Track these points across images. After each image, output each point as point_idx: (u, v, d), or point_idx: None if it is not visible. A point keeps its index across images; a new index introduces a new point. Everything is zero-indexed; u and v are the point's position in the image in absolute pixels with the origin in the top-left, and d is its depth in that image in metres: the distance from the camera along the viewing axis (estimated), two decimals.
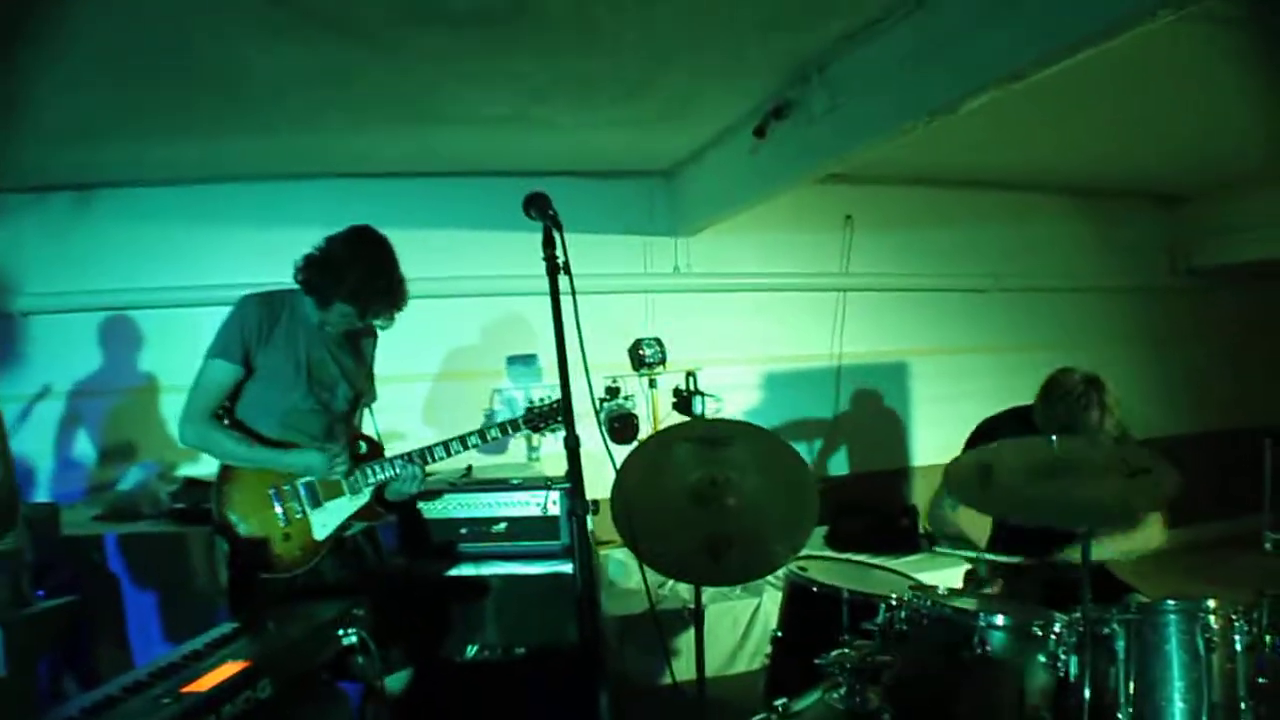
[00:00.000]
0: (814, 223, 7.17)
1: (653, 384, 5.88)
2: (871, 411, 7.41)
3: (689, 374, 5.83)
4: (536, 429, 3.68)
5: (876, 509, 6.55)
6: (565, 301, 2.72)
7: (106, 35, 3.97)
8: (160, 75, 4.47)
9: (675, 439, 3.47)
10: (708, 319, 6.90)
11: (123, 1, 3.72)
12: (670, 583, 5.60)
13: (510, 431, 3.67)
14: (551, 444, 6.28)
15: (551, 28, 4.14)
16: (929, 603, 2.77)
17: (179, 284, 6.16)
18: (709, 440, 3.37)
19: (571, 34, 4.23)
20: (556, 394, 3.42)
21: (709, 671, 3.64)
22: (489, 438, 3.62)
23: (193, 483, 5.26)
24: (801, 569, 3.69)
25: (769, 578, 5.55)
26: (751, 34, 4.33)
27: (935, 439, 7.33)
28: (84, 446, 6.19)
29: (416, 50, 4.32)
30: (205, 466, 5.97)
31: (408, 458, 3.52)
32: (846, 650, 2.80)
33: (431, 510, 4.23)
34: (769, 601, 5.36)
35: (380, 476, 3.51)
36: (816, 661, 2.81)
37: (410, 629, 3.65)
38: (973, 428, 4.18)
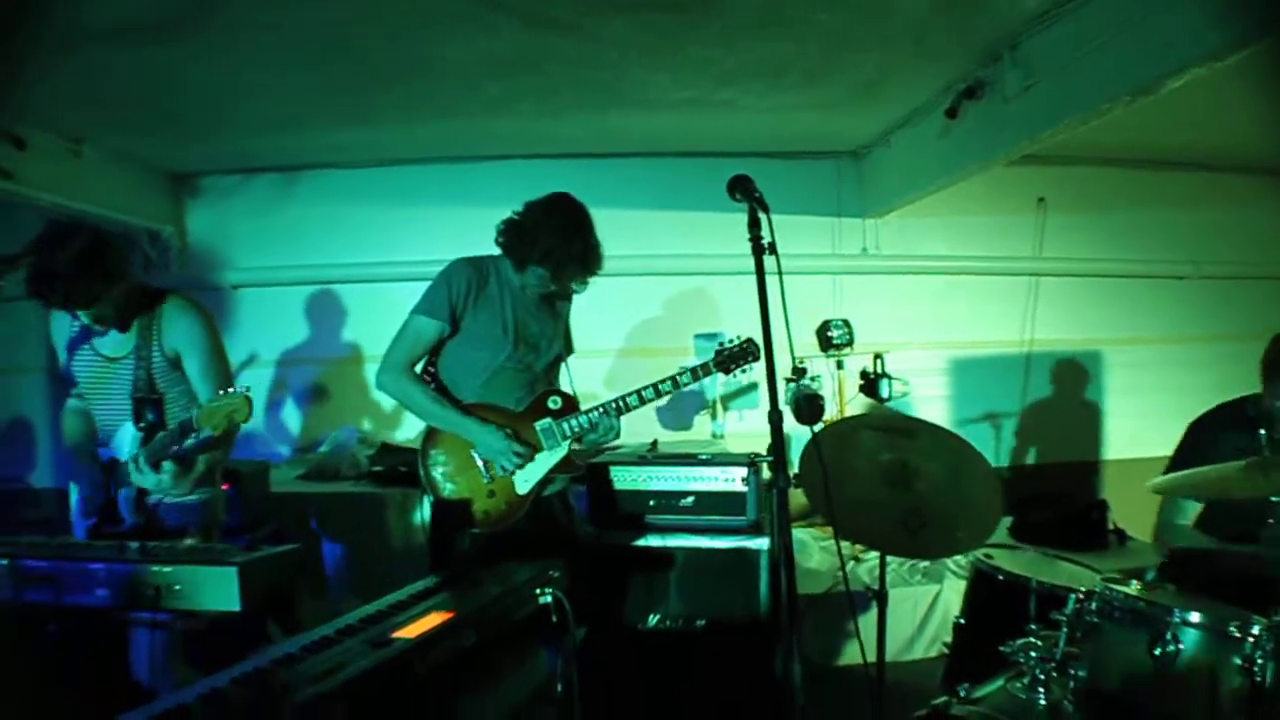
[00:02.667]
0: (1005, 205, 7.04)
1: (840, 365, 5.92)
2: (1061, 401, 7.23)
3: (877, 356, 5.84)
4: (727, 370, 3.78)
5: (1064, 502, 6.43)
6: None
7: (315, 28, 4.31)
8: (363, 65, 4.80)
9: (861, 425, 3.54)
10: (895, 302, 6.90)
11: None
12: (850, 564, 5.65)
13: (701, 375, 3.74)
14: (735, 422, 6.52)
15: (737, 12, 4.24)
16: (1121, 595, 2.75)
17: (378, 260, 6.54)
18: (895, 429, 3.43)
19: (757, 19, 4.32)
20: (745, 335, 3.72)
21: (886, 656, 3.68)
22: (680, 383, 3.72)
23: (389, 448, 5.58)
24: (987, 556, 3.71)
25: (950, 564, 5.58)
26: (941, 15, 4.33)
27: (1129, 431, 7.17)
28: (289, 411, 6.65)
29: (605, 37, 4.48)
30: (402, 432, 6.38)
31: (603, 409, 3.67)
32: (1032, 639, 2.84)
33: (621, 481, 4.38)
34: (949, 589, 5.35)
35: (576, 429, 3.68)
36: (1001, 649, 2.86)
37: (594, 594, 3.80)
38: (1184, 427, 4.03)
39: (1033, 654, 2.78)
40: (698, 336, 6.72)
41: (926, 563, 5.66)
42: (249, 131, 5.83)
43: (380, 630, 2.31)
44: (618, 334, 6.81)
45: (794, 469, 2.67)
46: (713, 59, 4.78)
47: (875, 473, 3.28)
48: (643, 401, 3.70)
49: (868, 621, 5.18)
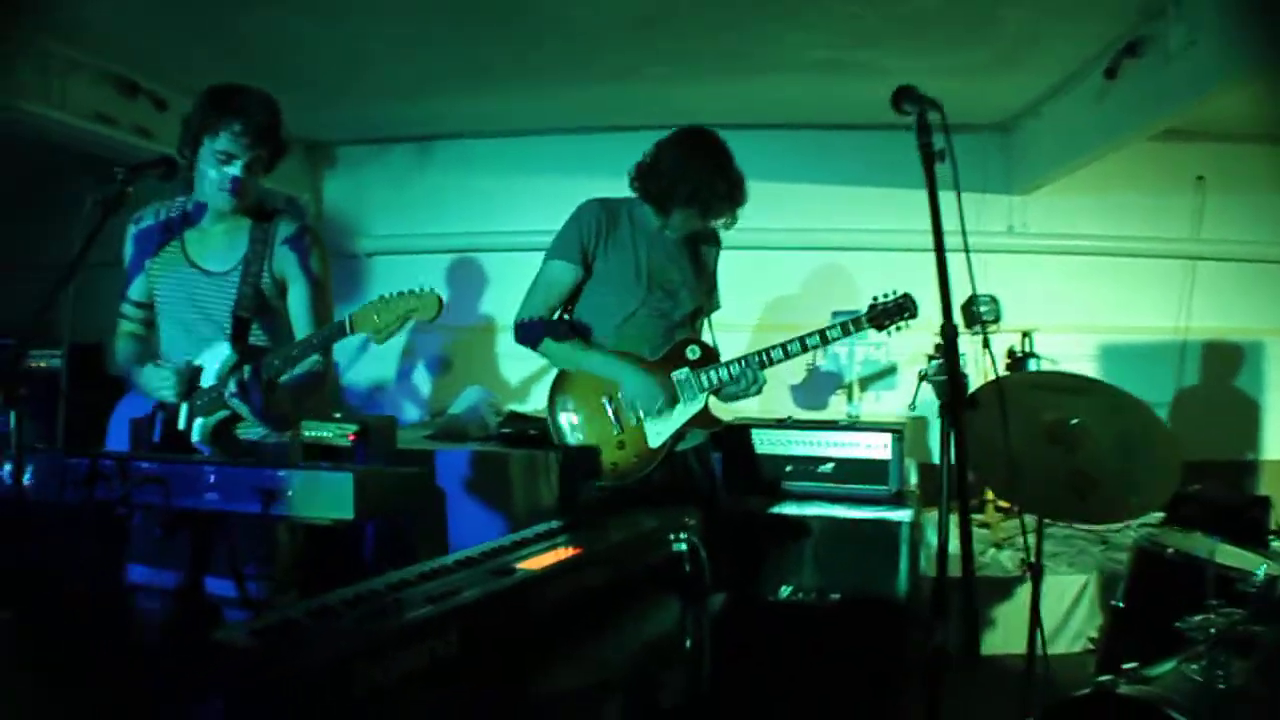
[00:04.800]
0: (1161, 184, 6.58)
1: (986, 344, 5.61)
2: (1218, 394, 6.72)
3: (1025, 334, 5.55)
4: (881, 326, 3.49)
5: (1221, 497, 5.97)
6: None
7: None
8: (495, 26, 4.74)
9: (1021, 384, 3.28)
10: (1041, 283, 6.53)
11: None
12: (990, 550, 5.36)
13: (852, 330, 3.49)
14: (872, 403, 6.28)
15: None
16: None
17: (511, 229, 6.48)
18: (1060, 388, 3.17)
19: None
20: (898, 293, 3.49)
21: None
22: (829, 338, 3.48)
23: (517, 415, 5.49)
24: (1150, 537, 3.41)
25: (1098, 553, 5.25)
26: None
27: None
28: (421, 376, 6.67)
29: None
30: (531, 403, 6.28)
31: (744, 361, 3.44)
32: (1213, 615, 2.55)
33: (759, 444, 4.20)
34: (1096, 582, 5.02)
35: (715, 381, 3.46)
36: (1177, 625, 2.58)
37: (729, 559, 3.61)
38: None
39: (1212, 631, 2.49)
40: (836, 314, 6.50)
41: (1071, 555, 5.34)
42: (381, 96, 5.86)
43: (501, 562, 2.20)
44: (753, 309, 6.60)
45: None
46: (853, 14, 4.55)
47: (1037, 432, 3.02)
48: (787, 355, 3.46)
49: (1008, 610, 4.96)
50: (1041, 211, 6.61)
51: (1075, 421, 2.95)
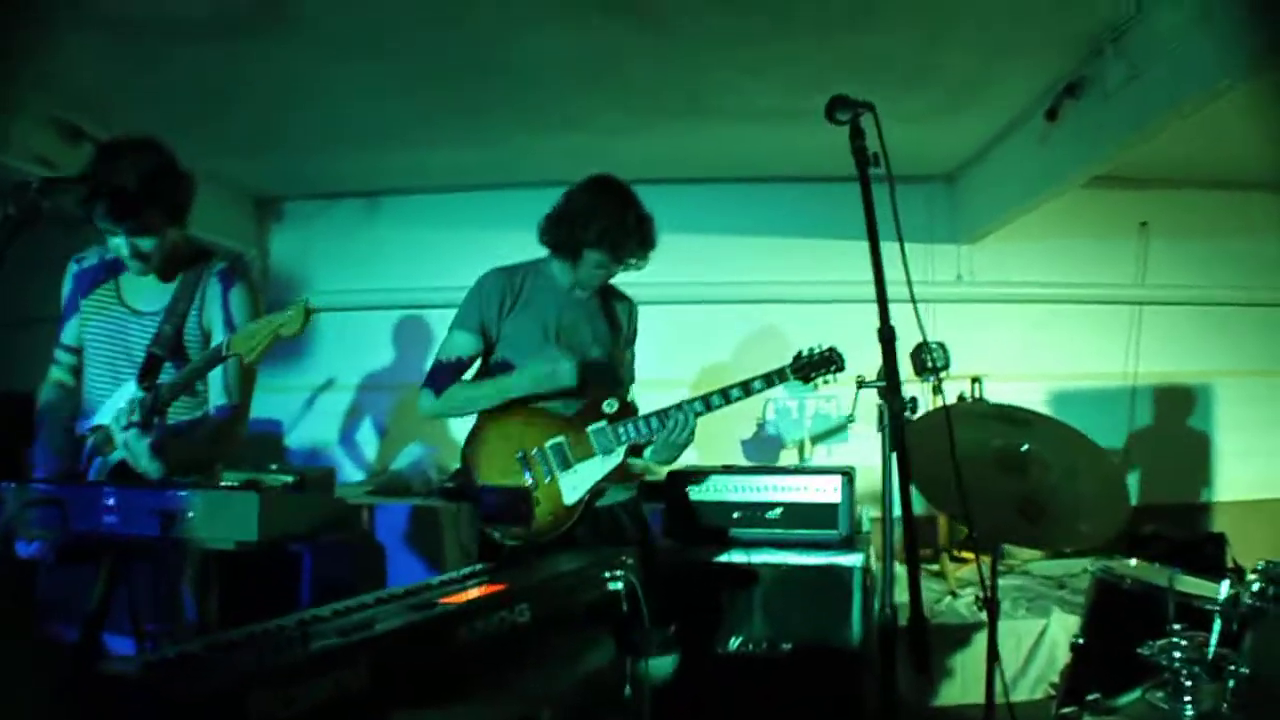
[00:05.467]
0: (1106, 230, 6.60)
1: (937, 390, 5.53)
2: (1169, 438, 6.68)
3: (975, 380, 5.48)
4: (806, 379, 3.37)
5: (1177, 535, 5.88)
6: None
7: (386, 24, 4.16)
8: (445, 75, 4.68)
9: (970, 412, 3.18)
10: (990, 331, 6.46)
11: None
12: (946, 599, 5.22)
13: (775, 381, 3.35)
14: (823, 458, 6.15)
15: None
16: None
17: (458, 285, 6.29)
18: (1007, 418, 3.07)
19: (851, 6, 4.07)
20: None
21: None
22: (752, 389, 3.34)
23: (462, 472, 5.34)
24: (1106, 569, 3.29)
25: (1055, 598, 5.14)
26: (1040, 3, 4.07)
27: (1245, 472, 6.59)
28: (367, 435, 6.45)
29: (696, 32, 4.26)
30: None
31: (662, 415, 3.29)
32: (1176, 639, 2.41)
33: (703, 491, 4.05)
34: (1057, 625, 4.87)
35: (633, 434, 3.30)
36: (1139, 651, 2.44)
37: (676, 613, 3.43)
38: None
39: (1177, 655, 2.35)
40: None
41: (1028, 599, 5.21)
42: (330, 146, 5.73)
43: (423, 598, 2.07)
44: (690, 365, 6.48)
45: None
46: (804, 55, 4.50)
47: (987, 458, 2.90)
48: (708, 407, 3.32)
49: (965, 659, 4.81)
50: (989, 260, 6.58)
51: (1025, 448, 2.85)
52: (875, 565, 4.06)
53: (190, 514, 2.06)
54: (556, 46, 4.40)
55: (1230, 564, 5.50)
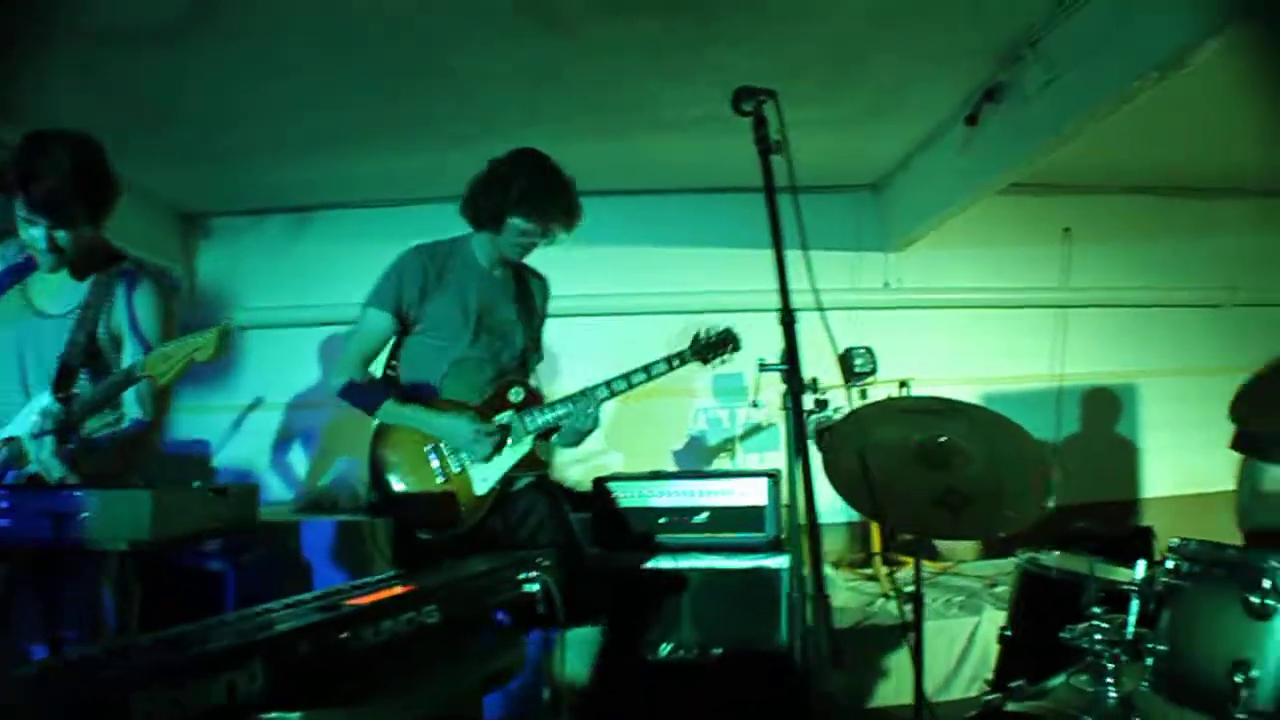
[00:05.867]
0: (1029, 236, 6.69)
1: (864, 395, 5.53)
2: (1096, 438, 6.76)
3: (902, 384, 5.48)
4: (705, 360, 3.43)
5: (1104, 530, 5.91)
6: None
7: (322, 28, 4.06)
8: (383, 84, 4.62)
9: (885, 409, 3.16)
10: (919, 337, 6.47)
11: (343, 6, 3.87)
12: (879, 601, 5.20)
13: (676, 364, 3.40)
14: (756, 463, 6.12)
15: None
16: (1206, 546, 2.29)
17: None
18: (923, 410, 3.06)
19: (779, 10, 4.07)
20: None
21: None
22: (654, 373, 3.36)
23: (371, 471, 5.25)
24: (1031, 560, 3.28)
25: (988, 596, 5.14)
26: (959, 9, 4.09)
27: (1170, 468, 6.67)
28: (297, 456, 6.31)
29: (620, 41, 4.25)
30: None
31: (572, 399, 3.29)
32: (1096, 622, 2.40)
33: (629, 497, 3.99)
34: (988, 622, 4.86)
35: (540, 422, 3.29)
36: (1061, 635, 2.42)
37: (599, 610, 3.36)
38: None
39: (1097, 638, 2.34)
40: (717, 376, 6.40)
41: (961, 598, 5.21)
42: (259, 156, 5.58)
43: (330, 600, 2.01)
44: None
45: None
46: (728, 64, 4.49)
47: (907, 455, 2.88)
48: (612, 392, 3.33)
49: (900, 660, 4.78)
50: (917, 267, 6.63)
51: (944, 439, 2.83)
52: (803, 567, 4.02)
53: (84, 514, 1.98)
54: (492, 60, 4.38)
55: (1158, 557, 5.53)
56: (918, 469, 2.88)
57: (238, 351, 6.39)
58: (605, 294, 6.38)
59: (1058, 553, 3.38)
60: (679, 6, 3.96)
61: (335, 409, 6.27)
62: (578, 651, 3.13)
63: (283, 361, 6.36)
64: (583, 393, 3.28)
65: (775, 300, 2.30)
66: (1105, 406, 6.76)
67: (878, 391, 5.50)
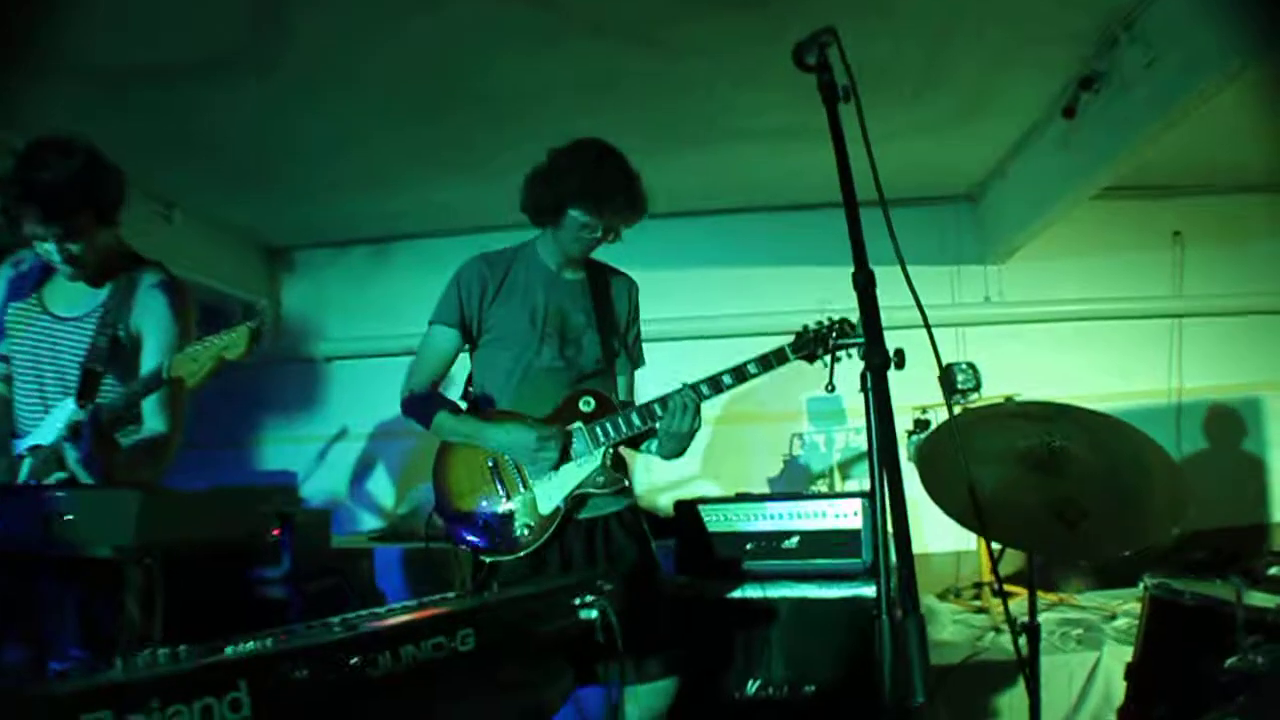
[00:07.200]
0: (1137, 242, 6.20)
1: None
2: (1220, 457, 6.16)
3: (1007, 399, 5.03)
4: (812, 357, 2.90)
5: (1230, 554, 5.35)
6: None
7: (378, 73, 4.04)
8: (436, 107, 4.48)
9: (989, 416, 2.77)
10: (1024, 352, 6.04)
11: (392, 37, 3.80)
12: (990, 635, 4.74)
13: (775, 363, 2.92)
14: (854, 488, 5.73)
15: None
16: None
17: None
18: (1031, 415, 2.67)
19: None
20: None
21: None
22: (748, 374, 2.92)
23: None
24: (1164, 584, 2.84)
25: (1109, 629, 4.63)
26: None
27: None
28: (382, 486, 6.12)
29: (680, 45, 3.99)
30: None
31: (646, 410, 2.92)
32: (1250, 656, 1.98)
33: (714, 521, 3.63)
34: (1110, 657, 4.35)
35: (615, 435, 2.93)
36: (1225, 666, 2.00)
37: (675, 642, 3.00)
38: None
39: (1257, 671, 1.92)
40: (812, 399, 6.04)
41: (1079, 631, 4.71)
42: (331, 188, 5.50)
43: (354, 620, 1.79)
44: (717, 399, 6.06)
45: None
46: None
47: (1013, 460, 2.49)
48: (699, 396, 2.90)
49: (1014, 700, 4.31)
50: (1018, 279, 6.22)
51: (1057, 444, 2.42)
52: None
53: (68, 515, 1.77)
54: (537, 74, 4.20)
55: None
56: (1029, 477, 2.48)
57: (324, 382, 6.27)
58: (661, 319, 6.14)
59: (1191, 578, 2.93)
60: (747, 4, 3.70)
61: (418, 438, 6.11)
62: (647, 706, 2.79)
63: (366, 391, 6.22)
64: (678, 391, 2.91)
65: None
66: (1228, 422, 6.16)
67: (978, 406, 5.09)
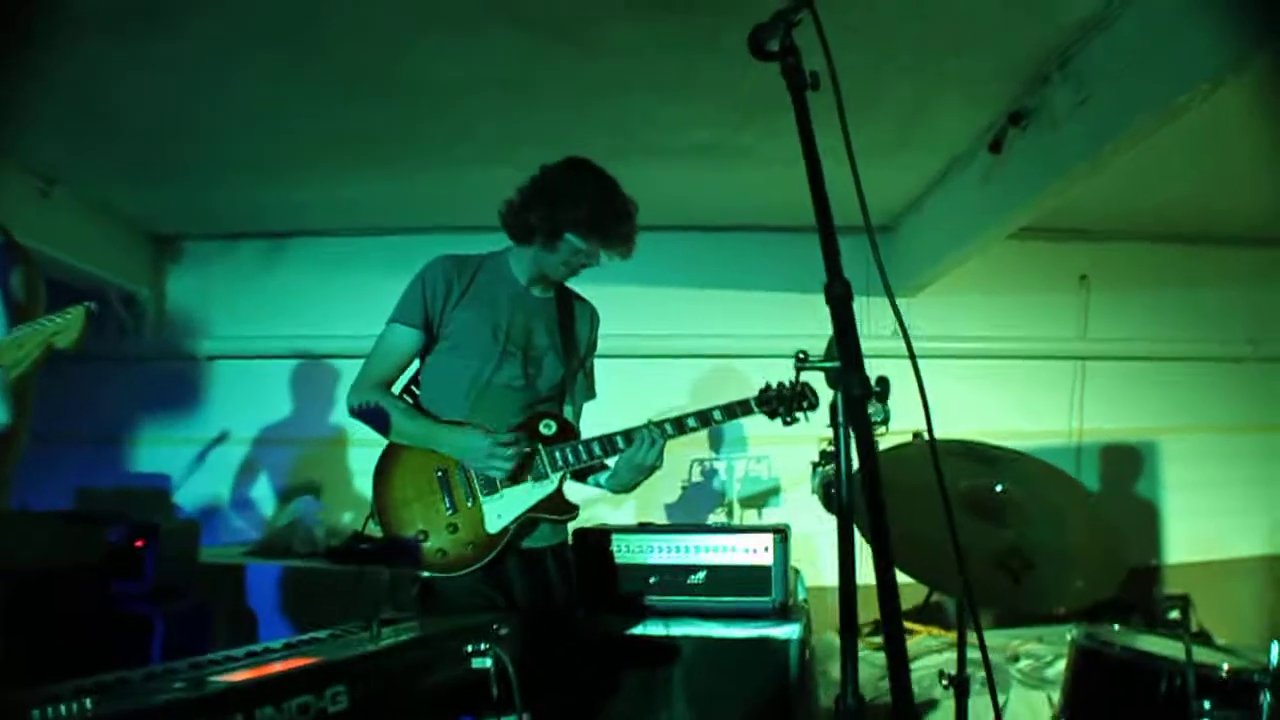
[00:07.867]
0: (1045, 283, 6.17)
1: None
2: (1117, 498, 6.15)
3: (915, 435, 4.89)
4: (773, 413, 2.82)
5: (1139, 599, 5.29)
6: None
7: (282, 22, 3.61)
8: (347, 94, 4.18)
9: (924, 449, 2.58)
10: (931, 387, 5.86)
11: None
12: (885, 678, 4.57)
13: (738, 414, 2.82)
14: (754, 520, 5.55)
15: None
16: None
17: (367, 333, 5.70)
18: (973, 455, 2.50)
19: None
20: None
21: None
22: (712, 419, 2.81)
23: (362, 537, 4.68)
24: (1087, 635, 2.69)
25: (1013, 670, 4.51)
26: (983, 29, 3.65)
27: (1192, 532, 6.07)
28: (263, 493, 5.72)
29: (605, 46, 3.78)
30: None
31: (608, 441, 2.78)
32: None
33: (615, 554, 3.37)
34: (1018, 701, 4.22)
35: (574, 461, 2.78)
36: None
37: (580, 693, 2.79)
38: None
39: None
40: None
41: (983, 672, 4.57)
42: (228, 175, 5.13)
43: (204, 673, 1.47)
44: (621, 422, 5.84)
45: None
46: (727, 82, 4.00)
47: (955, 500, 2.29)
48: (665, 435, 2.80)
49: None
50: (927, 313, 6.05)
51: (1000, 488, 2.24)
52: (813, 638, 3.41)
53: None
54: (461, 65, 3.91)
55: (1196, 628, 4.93)
56: (968, 520, 2.29)
57: (205, 382, 5.86)
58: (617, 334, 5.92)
59: (1117, 627, 2.79)
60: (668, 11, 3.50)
61: (305, 447, 5.74)
62: None
63: (251, 393, 5.85)
64: (645, 426, 2.80)
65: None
66: (1125, 465, 6.16)
67: (889, 442, 4.96)
